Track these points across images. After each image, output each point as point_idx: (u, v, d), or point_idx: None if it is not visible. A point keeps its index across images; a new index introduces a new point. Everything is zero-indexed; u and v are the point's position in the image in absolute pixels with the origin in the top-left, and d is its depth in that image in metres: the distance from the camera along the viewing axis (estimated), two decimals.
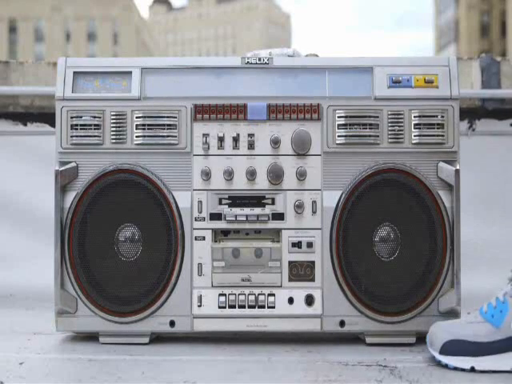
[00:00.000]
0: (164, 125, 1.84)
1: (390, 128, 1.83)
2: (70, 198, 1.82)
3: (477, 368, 1.59)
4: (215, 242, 1.84)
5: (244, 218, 1.82)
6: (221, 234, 1.85)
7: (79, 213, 1.81)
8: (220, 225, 1.84)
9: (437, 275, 1.81)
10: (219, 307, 1.82)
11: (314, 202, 1.83)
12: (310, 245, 1.82)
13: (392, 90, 1.84)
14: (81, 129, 1.84)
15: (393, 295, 1.81)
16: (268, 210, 1.83)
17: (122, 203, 1.82)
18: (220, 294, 1.82)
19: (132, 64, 1.87)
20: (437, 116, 1.83)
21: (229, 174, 1.83)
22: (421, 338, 1.77)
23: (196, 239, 1.83)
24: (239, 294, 1.82)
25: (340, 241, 1.81)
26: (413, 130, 1.83)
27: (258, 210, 1.83)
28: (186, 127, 1.84)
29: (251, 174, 1.83)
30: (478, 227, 2.54)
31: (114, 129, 1.84)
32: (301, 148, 1.83)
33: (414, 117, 1.83)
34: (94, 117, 1.84)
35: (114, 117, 1.84)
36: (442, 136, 1.83)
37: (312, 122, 1.83)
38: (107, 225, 1.82)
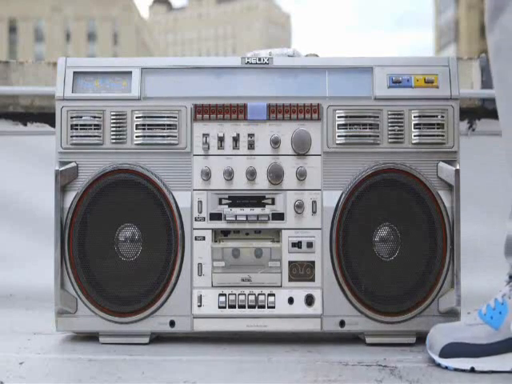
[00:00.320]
0: (164, 125, 1.84)
1: (389, 128, 1.83)
2: (70, 198, 1.82)
3: (477, 368, 1.59)
4: (215, 242, 1.84)
5: (244, 218, 1.82)
6: (221, 234, 1.85)
7: (79, 213, 1.81)
8: (220, 225, 1.84)
9: (437, 275, 1.81)
10: (219, 307, 1.82)
11: (313, 202, 1.83)
12: (310, 245, 1.82)
13: (392, 90, 1.84)
14: (81, 129, 1.84)
15: (393, 295, 1.81)
16: (268, 210, 1.83)
17: (122, 203, 1.82)
18: (220, 294, 1.82)
19: (132, 64, 1.87)
20: (437, 116, 1.83)
21: (229, 174, 1.83)
22: (421, 338, 1.77)
23: (196, 239, 1.83)
24: (239, 294, 1.82)
25: (340, 241, 1.81)
26: (413, 129, 1.83)
27: (257, 210, 1.83)
28: (185, 127, 1.84)
29: (251, 174, 1.83)
30: (478, 227, 2.54)
31: (114, 129, 1.84)
32: (301, 148, 1.83)
33: (414, 117, 1.83)
34: (94, 117, 1.84)
35: (113, 117, 1.84)
36: (442, 136, 1.83)
37: (312, 121, 1.83)
38: (107, 225, 1.82)
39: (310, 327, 1.83)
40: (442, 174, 1.82)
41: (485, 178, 2.56)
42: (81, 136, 1.84)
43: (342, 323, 1.82)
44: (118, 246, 1.82)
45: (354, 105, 1.83)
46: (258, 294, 1.82)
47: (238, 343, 1.83)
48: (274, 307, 1.82)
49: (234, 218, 1.82)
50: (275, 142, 1.83)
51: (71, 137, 1.84)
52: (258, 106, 1.84)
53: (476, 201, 2.55)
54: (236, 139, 1.84)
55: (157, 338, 1.86)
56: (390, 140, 1.83)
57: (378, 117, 1.83)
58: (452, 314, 1.81)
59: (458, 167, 1.81)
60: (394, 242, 1.82)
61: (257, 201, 1.83)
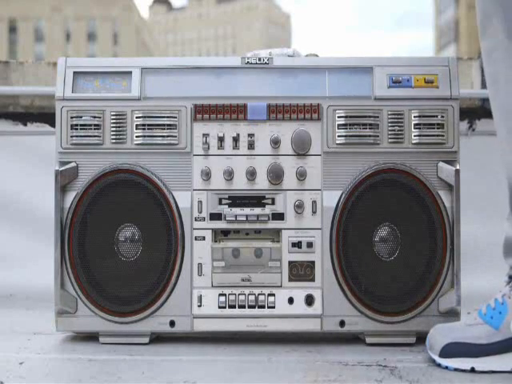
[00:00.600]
0: (164, 125, 1.84)
1: (390, 128, 1.83)
2: (70, 197, 1.82)
3: (477, 368, 1.59)
4: (215, 242, 1.84)
5: (244, 218, 1.82)
6: (221, 234, 1.85)
7: (79, 213, 1.81)
8: (220, 225, 1.84)
9: (437, 275, 1.81)
10: (219, 307, 1.82)
11: (313, 202, 1.83)
12: (310, 245, 1.82)
13: (392, 90, 1.84)
14: (81, 129, 1.84)
15: (393, 295, 1.81)
16: (268, 210, 1.83)
17: (122, 203, 1.82)
18: (220, 294, 1.82)
19: (132, 64, 1.87)
20: (437, 116, 1.83)
21: (229, 174, 1.83)
22: (421, 338, 1.77)
23: (196, 239, 1.83)
24: (239, 294, 1.82)
25: (340, 241, 1.81)
26: (413, 129, 1.83)
27: (257, 210, 1.83)
28: (186, 127, 1.84)
29: (251, 174, 1.83)
30: (477, 227, 2.54)
31: (114, 129, 1.84)
32: (301, 148, 1.83)
33: (414, 117, 1.83)
34: (94, 117, 1.84)
35: (113, 117, 1.84)
36: (442, 136, 1.83)
37: (312, 122, 1.83)
38: (107, 225, 1.82)
39: (310, 327, 1.83)
40: (442, 174, 1.82)
41: (485, 178, 2.56)
42: (81, 136, 1.84)
43: (342, 323, 1.82)
44: (118, 246, 1.82)
45: (354, 105, 1.83)
46: (258, 294, 1.82)
47: (238, 343, 1.83)
48: (274, 307, 1.82)
49: (234, 218, 1.82)
50: (275, 142, 1.83)
51: (71, 137, 1.84)
52: (258, 106, 1.84)
53: (476, 201, 2.55)
54: (236, 139, 1.84)
55: (157, 338, 1.86)
56: (390, 140, 1.83)
57: (378, 117, 1.83)
58: (452, 314, 1.81)
59: (457, 167, 1.81)
60: (393, 242, 1.82)
61: (257, 201, 1.83)
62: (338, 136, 1.83)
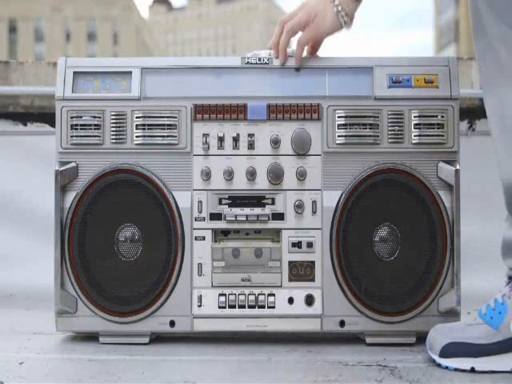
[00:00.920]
0: (164, 125, 1.84)
1: (390, 128, 1.83)
2: (70, 197, 1.82)
3: (477, 368, 1.59)
4: (215, 242, 1.84)
5: (244, 218, 1.82)
6: (221, 234, 1.85)
7: (79, 213, 1.81)
8: (220, 225, 1.84)
9: (437, 275, 1.81)
10: (219, 307, 1.82)
11: (313, 202, 1.83)
12: (310, 245, 1.82)
13: (392, 90, 1.84)
14: (81, 129, 1.84)
15: (393, 295, 1.81)
16: (268, 210, 1.83)
17: (122, 203, 1.82)
18: (220, 294, 1.82)
19: (132, 64, 1.87)
20: (437, 116, 1.83)
21: (229, 174, 1.83)
22: (421, 338, 1.77)
23: (196, 239, 1.83)
24: (239, 294, 1.82)
25: (340, 241, 1.81)
26: (413, 129, 1.83)
27: (257, 210, 1.83)
28: (186, 127, 1.84)
29: (251, 174, 1.83)
30: (478, 227, 2.54)
31: (114, 129, 1.84)
32: (301, 148, 1.83)
33: (414, 117, 1.83)
34: (94, 117, 1.84)
35: (114, 117, 1.84)
36: (442, 136, 1.83)
37: (312, 121, 1.83)
38: (107, 225, 1.82)
39: (310, 327, 1.83)
40: (442, 173, 1.82)
41: (485, 178, 2.56)
42: (81, 136, 1.84)
43: (342, 323, 1.82)
44: (118, 245, 1.82)
45: (354, 105, 1.83)
46: (258, 294, 1.82)
47: (238, 343, 1.83)
48: (274, 307, 1.82)
49: (234, 218, 1.82)
50: (275, 142, 1.83)
51: (71, 137, 1.84)
52: (258, 106, 1.84)
53: (476, 201, 2.55)
54: (236, 139, 1.84)
55: (157, 338, 1.86)
56: (390, 140, 1.83)
57: (378, 117, 1.83)
58: (452, 314, 1.81)
59: (457, 167, 1.81)
60: (393, 242, 1.82)
61: (257, 201, 1.83)
62: (338, 136, 1.83)
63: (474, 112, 2.63)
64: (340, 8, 1.78)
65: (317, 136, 1.83)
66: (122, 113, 1.84)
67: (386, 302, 1.81)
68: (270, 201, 1.83)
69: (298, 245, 1.83)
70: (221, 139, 1.83)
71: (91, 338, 1.85)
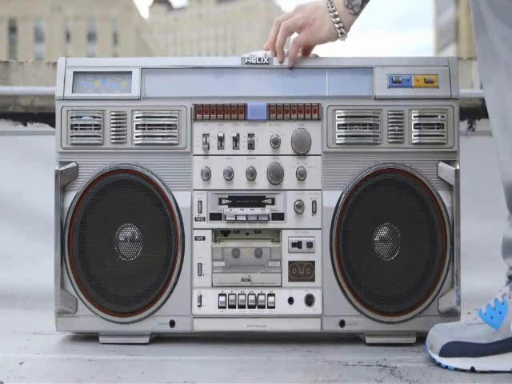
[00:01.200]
0: (164, 125, 1.84)
1: (390, 128, 1.83)
2: (70, 197, 1.82)
3: (477, 368, 1.59)
4: (215, 242, 1.84)
5: (244, 218, 1.82)
6: (221, 234, 1.85)
7: (79, 213, 1.81)
8: (220, 225, 1.84)
9: (437, 275, 1.81)
10: (219, 307, 1.82)
11: (313, 202, 1.83)
12: (310, 245, 1.82)
13: (392, 90, 1.84)
14: (81, 129, 1.84)
15: (393, 295, 1.81)
16: (268, 210, 1.83)
17: (122, 203, 1.82)
18: (220, 294, 1.82)
19: (132, 64, 1.87)
20: (437, 116, 1.83)
21: (229, 174, 1.83)
22: (421, 338, 1.77)
23: (196, 239, 1.83)
24: (239, 294, 1.82)
25: (340, 241, 1.81)
26: (413, 129, 1.83)
27: (257, 210, 1.83)
28: (186, 127, 1.84)
29: (251, 174, 1.83)
30: (478, 227, 2.54)
31: (114, 129, 1.84)
32: (301, 148, 1.83)
33: (414, 117, 1.83)
34: (94, 117, 1.84)
35: (114, 117, 1.84)
36: (442, 136, 1.83)
37: (312, 121, 1.83)
38: (107, 225, 1.82)
39: (310, 327, 1.83)
40: (442, 173, 1.82)
41: (485, 178, 2.56)
42: (81, 136, 1.84)
43: (342, 323, 1.82)
44: (117, 246, 1.82)
45: (354, 105, 1.83)
46: (258, 294, 1.82)
47: (238, 343, 1.83)
48: (273, 307, 1.82)
49: (234, 218, 1.82)
50: (275, 142, 1.83)
51: (71, 137, 1.84)
52: (258, 106, 1.84)
53: (476, 201, 2.55)
54: (236, 139, 1.84)
55: (157, 338, 1.86)
56: (390, 140, 1.83)
57: (378, 117, 1.83)
58: (452, 314, 1.81)
59: (457, 167, 1.81)
60: (393, 242, 1.82)
61: (257, 201, 1.83)
62: (338, 136, 1.83)
63: (474, 112, 2.64)
64: (338, 19, 1.79)
65: (317, 136, 1.83)
66: (122, 113, 1.84)
67: (385, 301, 1.80)
68: (270, 201, 1.83)
69: (297, 245, 1.83)
70: (221, 139, 1.83)
71: (91, 337, 1.85)
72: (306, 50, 1.88)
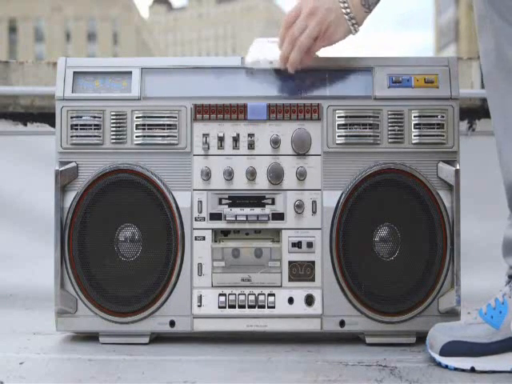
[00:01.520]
0: (164, 125, 1.84)
1: (390, 128, 1.83)
2: (70, 197, 1.82)
3: (477, 368, 1.59)
4: (215, 242, 1.84)
5: (244, 218, 1.82)
6: (221, 234, 1.85)
7: (79, 213, 1.81)
8: (220, 225, 1.84)
9: (437, 275, 1.81)
10: (219, 307, 1.82)
11: (313, 202, 1.83)
12: (310, 245, 1.82)
13: (392, 90, 1.84)
14: (81, 129, 1.84)
15: (393, 295, 1.81)
16: (268, 210, 1.83)
17: (122, 203, 1.82)
18: (220, 294, 1.82)
19: (132, 64, 1.87)
20: (437, 116, 1.83)
21: (229, 174, 1.83)
22: (421, 338, 1.77)
23: (196, 239, 1.83)
24: (239, 294, 1.82)
25: (340, 241, 1.81)
26: (413, 129, 1.83)
27: (257, 210, 1.83)
28: (186, 127, 1.84)
29: (251, 174, 1.83)
30: (478, 227, 2.54)
31: (114, 129, 1.84)
32: (301, 148, 1.83)
33: (414, 117, 1.83)
34: (94, 117, 1.84)
35: (114, 117, 1.84)
36: (442, 136, 1.83)
37: (312, 121, 1.83)
38: (107, 225, 1.82)
39: (310, 327, 1.83)
40: (442, 173, 1.82)
41: (485, 178, 2.56)
42: (81, 136, 1.84)
43: (342, 323, 1.82)
44: (117, 246, 1.82)
45: (354, 105, 1.83)
46: (258, 294, 1.82)
47: (238, 343, 1.83)
48: (274, 307, 1.82)
49: (234, 218, 1.82)
50: (275, 142, 1.83)
51: (71, 137, 1.84)
52: (258, 106, 1.84)
53: (476, 201, 2.55)
54: (236, 139, 1.84)
55: (157, 338, 1.86)
56: (390, 140, 1.83)
57: (378, 117, 1.83)
58: (452, 314, 1.81)
59: (457, 167, 1.81)
60: (393, 242, 1.82)
61: (257, 201, 1.83)
62: (338, 136, 1.83)
63: (474, 112, 2.64)
64: (354, 20, 1.76)
65: (317, 136, 1.83)
66: (122, 113, 1.84)
67: (385, 301, 1.80)
68: (270, 201, 1.83)
69: (297, 245, 1.83)
70: (221, 139, 1.83)
71: (91, 337, 1.85)
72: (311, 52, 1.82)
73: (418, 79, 1.84)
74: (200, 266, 1.83)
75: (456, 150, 1.83)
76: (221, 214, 1.83)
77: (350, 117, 1.83)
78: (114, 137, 1.84)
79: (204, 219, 1.83)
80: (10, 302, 2.44)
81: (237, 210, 1.83)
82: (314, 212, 1.83)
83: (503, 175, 1.67)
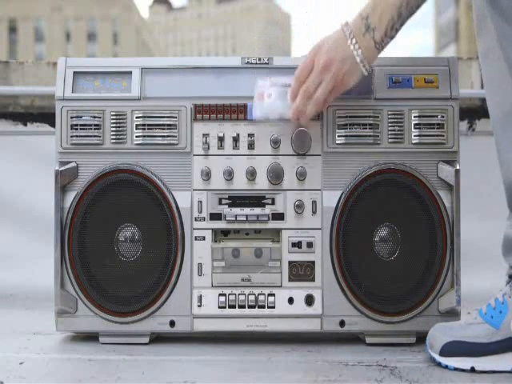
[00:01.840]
0: (164, 125, 1.84)
1: (390, 128, 1.83)
2: (70, 197, 1.82)
3: (477, 368, 1.59)
4: (215, 242, 1.84)
5: (244, 218, 1.82)
6: (221, 234, 1.85)
7: (79, 213, 1.81)
8: (220, 225, 1.84)
9: (437, 275, 1.81)
10: (219, 307, 1.82)
11: (313, 202, 1.83)
12: (310, 245, 1.82)
13: (392, 91, 1.84)
14: (81, 129, 1.84)
15: (393, 295, 1.81)
16: (268, 210, 1.83)
17: (122, 203, 1.82)
18: (220, 294, 1.82)
19: (132, 64, 1.87)
20: (437, 116, 1.83)
21: (229, 174, 1.83)
22: (421, 338, 1.77)
23: (196, 239, 1.83)
24: (239, 294, 1.82)
25: (340, 241, 1.81)
26: (413, 130, 1.83)
27: (257, 210, 1.83)
28: (186, 127, 1.84)
29: (251, 174, 1.83)
30: (478, 227, 2.54)
31: (114, 129, 1.84)
32: (301, 148, 1.83)
33: (414, 117, 1.83)
34: (94, 117, 1.84)
35: (114, 117, 1.84)
36: (442, 136, 1.83)
37: (312, 121, 1.83)
38: (107, 225, 1.82)
39: (310, 327, 1.83)
40: (442, 174, 1.82)
41: (485, 178, 2.56)
42: (81, 136, 1.84)
43: (342, 323, 1.82)
44: (117, 245, 1.82)
45: (354, 105, 1.83)
46: (258, 294, 1.82)
47: (238, 343, 1.83)
48: (274, 307, 1.82)
49: (234, 218, 1.82)
50: (275, 142, 1.83)
51: (71, 137, 1.84)
52: None
53: (476, 201, 2.55)
54: (236, 139, 1.84)
55: (157, 338, 1.86)
56: (390, 140, 1.83)
57: (378, 117, 1.83)
58: (452, 314, 1.81)
59: (458, 167, 1.81)
60: (393, 242, 1.82)
61: (257, 201, 1.83)
62: (338, 136, 1.83)
63: (474, 112, 2.64)
64: (367, 62, 1.71)
65: (317, 136, 1.83)
66: (122, 113, 1.84)
67: (385, 301, 1.80)
68: (270, 201, 1.83)
69: (297, 245, 1.83)
70: (221, 139, 1.83)
71: (91, 337, 1.85)
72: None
73: (418, 79, 1.84)
74: (200, 266, 1.83)
75: (456, 150, 1.83)
76: (221, 214, 1.83)
77: (350, 117, 1.83)
78: (113, 137, 1.84)
79: (204, 219, 1.83)
80: (10, 302, 2.44)
81: (237, 210, 1.83)
82: (314, 212, 1.83)
83: (502, 174, 1.68)
